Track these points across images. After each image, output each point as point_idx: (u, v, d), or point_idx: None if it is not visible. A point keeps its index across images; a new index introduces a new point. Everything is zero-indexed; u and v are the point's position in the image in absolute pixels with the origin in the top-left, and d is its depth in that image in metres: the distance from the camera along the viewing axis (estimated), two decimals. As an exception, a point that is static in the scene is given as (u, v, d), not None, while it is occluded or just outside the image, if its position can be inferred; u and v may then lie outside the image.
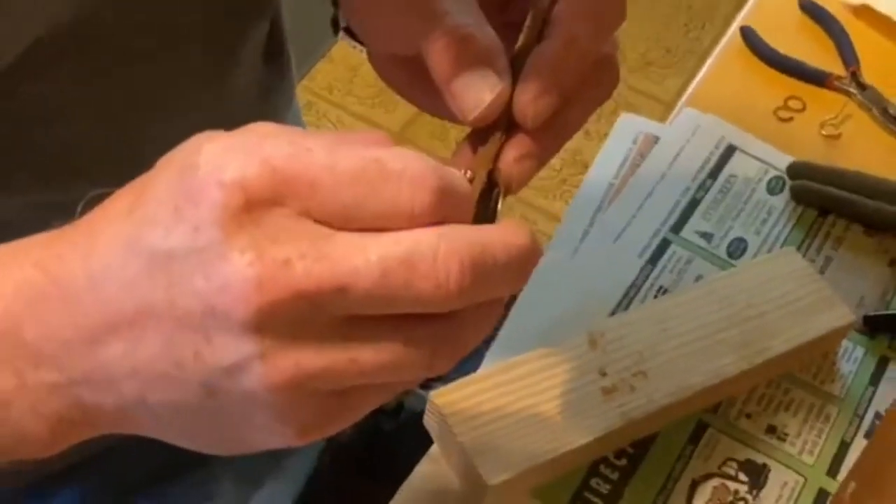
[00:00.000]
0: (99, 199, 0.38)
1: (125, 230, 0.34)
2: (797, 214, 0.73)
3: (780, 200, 0.73)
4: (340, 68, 1.95)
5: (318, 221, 0.33)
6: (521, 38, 0.45)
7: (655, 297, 0.67)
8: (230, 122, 0.62)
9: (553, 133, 0.43)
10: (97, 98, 0.54)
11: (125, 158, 0.59)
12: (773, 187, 0.74)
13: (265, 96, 0.68)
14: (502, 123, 0.43)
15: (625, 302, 0.67)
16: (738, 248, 0.70)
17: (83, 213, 0.38)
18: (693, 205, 0.72)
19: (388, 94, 1.92)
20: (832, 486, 0.60)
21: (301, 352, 0.33)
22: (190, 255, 0.33)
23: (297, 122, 0.76)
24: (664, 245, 0.70)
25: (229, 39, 0.60)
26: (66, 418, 0.37)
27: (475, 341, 0.37)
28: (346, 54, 1.97)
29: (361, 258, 0.32)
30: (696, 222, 0.71)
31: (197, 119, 0.60)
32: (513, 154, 0.43)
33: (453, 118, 0.50)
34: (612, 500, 0.59)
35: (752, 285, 0.65)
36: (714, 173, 0.74)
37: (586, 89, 0.44)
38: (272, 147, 0.33)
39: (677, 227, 0.71)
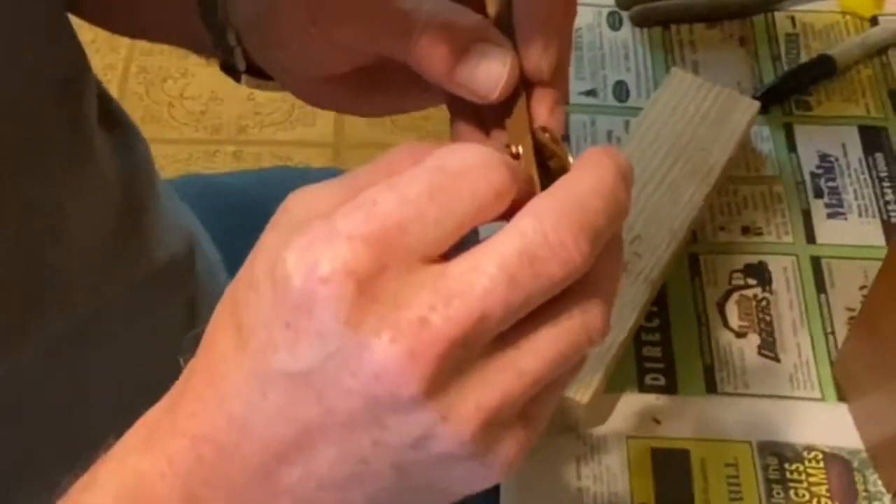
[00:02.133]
0: (194, 341, 0.36)
1: (247, 365, 0.33)
2: (647, 38, 0.77)
3: (626, 32, 0.77)
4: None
5: (420, 255, 0.32)
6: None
7: (585, 167, 0.69)
8: (120, 187, 0.59)
9: (560, 72, 0.44)
10: None
11: (51, 292, 0.55)
12: (614, 23, 0.77)
13: (130, 160, 0.63)
14: (519, 88, 0.42)
15: (564, 185, 0.69)
16: (622, 91, 0.74)
17: (186, 361, 0.37)
18: (563, 71, 0.74)
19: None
20: (819, 251, 0.66)
21: (474, 393, 0.32)
22: (327, 362, 0.31)
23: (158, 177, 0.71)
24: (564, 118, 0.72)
25: (73, 99, 0.56)
26: None
27: (616, 285, 0.36)
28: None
29: (483, 277, 0.31)
30: (575, 85, 0.73)
31: (96, 198, 0.56)
32: (545, 109, 0.42)
33: (415, 108, 0.50)
34: (667, 358, 0.62)
35: (666, 117, 0.68)
36: (561, 35, 0.76)
37: (564, 17, 0.44)
38: (344, 220, 0.32)
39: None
